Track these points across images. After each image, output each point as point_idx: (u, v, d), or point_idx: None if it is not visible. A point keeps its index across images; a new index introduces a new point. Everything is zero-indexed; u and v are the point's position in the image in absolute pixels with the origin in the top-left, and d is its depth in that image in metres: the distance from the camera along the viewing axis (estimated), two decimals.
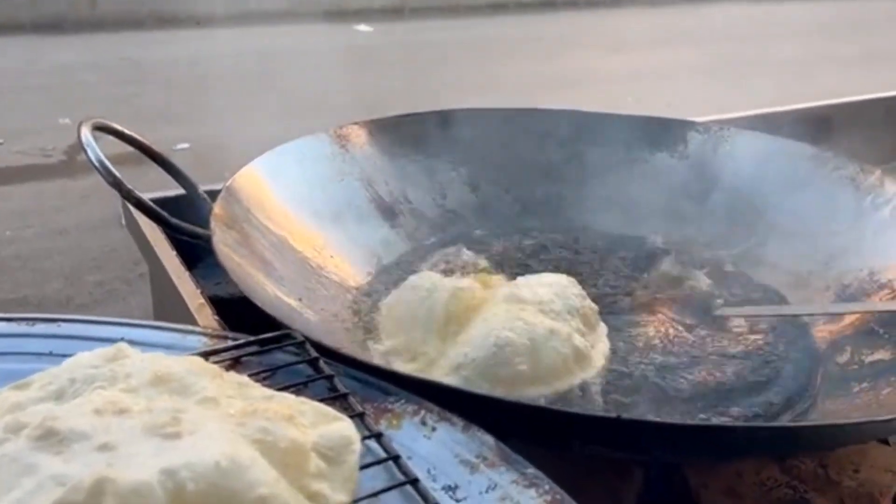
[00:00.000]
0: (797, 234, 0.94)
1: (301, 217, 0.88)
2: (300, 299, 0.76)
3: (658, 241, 0.97)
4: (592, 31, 4.10)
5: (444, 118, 1.05)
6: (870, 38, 3.92)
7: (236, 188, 0.82)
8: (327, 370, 0.54)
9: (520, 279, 0.78)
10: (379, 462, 0.48)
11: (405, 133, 1.03)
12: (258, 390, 0.48)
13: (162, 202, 0.82)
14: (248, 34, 3.42)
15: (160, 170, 0.90)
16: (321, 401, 0.49)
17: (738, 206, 1.00)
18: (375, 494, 0.46)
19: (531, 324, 0.69)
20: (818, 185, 0.97)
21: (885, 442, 0.74)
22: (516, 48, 3.62)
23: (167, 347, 0.56)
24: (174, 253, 0.82)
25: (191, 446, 0.40)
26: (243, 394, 0.48)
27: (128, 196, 0.78)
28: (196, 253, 0.82)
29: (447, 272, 0.86)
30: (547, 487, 0.47)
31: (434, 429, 0.51)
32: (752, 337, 0.81)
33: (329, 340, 0.62)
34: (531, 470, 0.48)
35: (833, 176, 0.97)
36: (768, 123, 1.15)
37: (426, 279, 0.76)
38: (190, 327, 0.60)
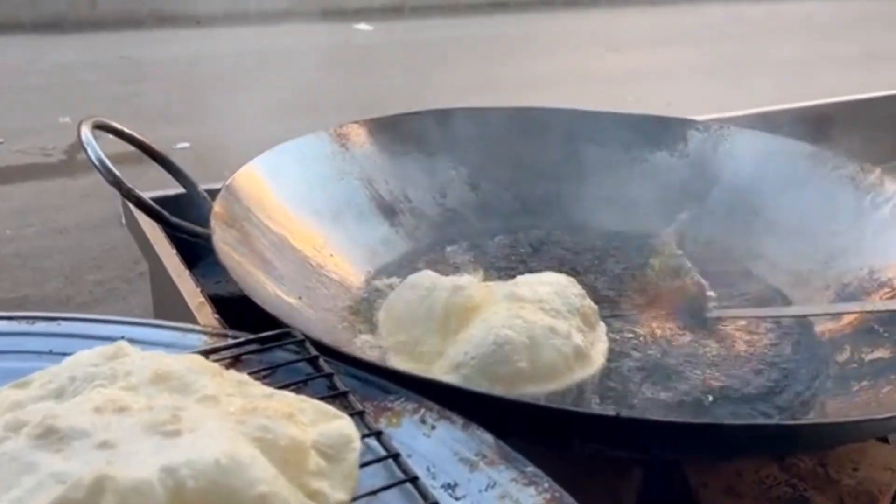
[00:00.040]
0: (797, 232, 0.94)
1: (301, 216, 0.88)
2: (300, 298, 0.76)
3: (658, 239, 0.97)
4: (592, 31, 4.10)
5: (444, 117, 1.05)
6: (870, 37, 3.92)
7: (236, 187, 0.82)
8: (327, 368, 0.54)
9: (519, 278, 0.78)
10: (379, 460, 0.48)
11: (405, 132, 1.03)
12: (258, 388, 0.49)
13: (162, 201, 0.82)
14: (247, 33, 3.42)
15: (160, 169, 0.90)
16: (321, 399, 0.49)
17: (738, 205, 1.00)
18: (375, 492, 0.46)
19: (531, 322, 0.69)
20: (818, 184, 0.97)
21: (885, 440, 0.74)
22: (516, 47, 3.62)
23: (167, 346, 0.56)
24: (174, 251, 0.82)
25: (191, 444, 0.40)
26: (243, 392, 0.48)
27: (128, 195, 0.78)
28: (196, 252, 0.82)
29: (447, 271, 0.86)
30: (546, 485, 0.47)
31: (434, 427, 0.51)
32: (751, 336, 0.81)
33: (329, 339, 0.63)
34: (530, 468, 0.48)
35: (833, 175, 0.97)
36: (768, 122, 1.15)
37: (426, 278, 0.76)
38: (190, 326, 0.61)
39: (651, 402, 0.71)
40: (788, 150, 1.01)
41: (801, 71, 3.10)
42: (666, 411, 0.70)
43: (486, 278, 0.84)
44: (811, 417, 0.72)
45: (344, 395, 0.52)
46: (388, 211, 0.97)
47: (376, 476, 0.47)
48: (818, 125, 1.24)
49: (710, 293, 0.84)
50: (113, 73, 2.99)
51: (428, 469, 0.49)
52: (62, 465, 0.39)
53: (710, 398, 0.72)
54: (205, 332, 0.59)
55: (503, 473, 0.48)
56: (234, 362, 0.55)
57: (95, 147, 0.78)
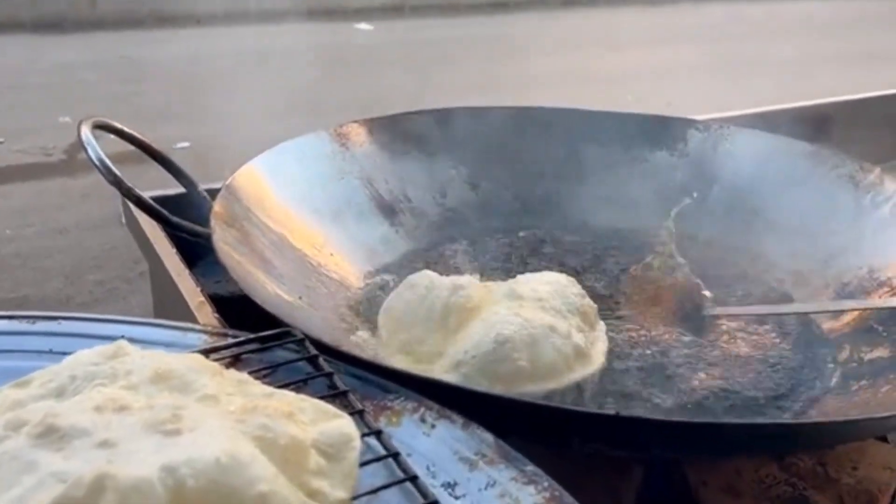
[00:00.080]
0: (797, 232, 0.94)
1: (301, 215, 0.88)
2: (300, 297, 0.76)
3: (658, 239, 0.97)
4: (592, 30, 4.10)
5: (445, 116, 1.05)
6: (870, 37, 3.92)
7: (236, 186, 0.82)
8: (327, 368, 0.54)
9: (519, 277, 0.78)
10: (378, 459, 0.48)
11: (405, 131, 1.03)
12: (258, 387, 0.49)
13: (162, 200, 0.82)
14: (248, 33, 3.41)
15: (160, 168, 0.90)
16: (321, 398, 0.49)
17: (738, 205, 1.00)
18: (375, 491, 0.46)
19: (531, 321, 0.69)
20: (818, 183, 0.97)
21: (884, 439, 0.74)
22: (517, 46, 3.61)
23: (167, 345, 0.56)
24: (174, 251, 0.82)
25: (191, 443, 0.41)
26: (243, 391, 0.48)
27: (128, 194, 0.78)
28: (196, 251, 0.82)
29: (447, 270, 0.86)
30: (546, 484, 0.47)
31: (433, 426, 0.51)
32: (750, 336, 0.82)
33: (329, 338, 0.63)
34: (530, 467, 0.48)
35: (832, 174, 0.97)
36: (768, 122, 1.15)
37: (425, 277, 0.76)
38: (190, 325, 0.61)
39: (650, 401, 0.71)
40: (788, 150, 1.01)
41: (801, 71, 3.10)
42: (665, 410, 0.70)
43: (486, 278, 0.85)
44: (810, 416, 0.72)
45: (344, 394, 0.52)
46: (388, 210, 0.97)
47: (376, 475, 0.47)
48: (818, 124, 1.24)
49: (706, 292, 0.84)
50: (113, 72, 2.99)
51: (428, 468, 0.49)
52: (63, 463, 0.39)
53: (710, 397, 0.72)
54: (205, 332, 0.59)
55: (503, 472, 0.48)
56: (234, 361, 0.55)
57: (96, 147, 0.78)
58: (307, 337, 0.57)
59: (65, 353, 0.49)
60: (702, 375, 0.75)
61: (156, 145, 0.89)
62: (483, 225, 1.00)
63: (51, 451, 0.40)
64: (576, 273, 0.87)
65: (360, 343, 0.76)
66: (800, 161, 0.99)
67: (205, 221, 0.76)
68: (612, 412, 0.65)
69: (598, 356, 0.72)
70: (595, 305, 0.78)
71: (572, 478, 0.48)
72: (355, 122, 1.00)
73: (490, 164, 1.05)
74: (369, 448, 0.49)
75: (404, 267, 0.89)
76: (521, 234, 0.98)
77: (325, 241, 0.88)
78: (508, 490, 0.47)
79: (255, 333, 0.57)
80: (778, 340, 0.81)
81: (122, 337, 0.53)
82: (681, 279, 0.85)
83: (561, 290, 0.75)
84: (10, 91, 2.71)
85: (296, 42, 3.08)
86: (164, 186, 0.93)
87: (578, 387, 0.69)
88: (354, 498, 0.45)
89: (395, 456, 0.48)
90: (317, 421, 0.46)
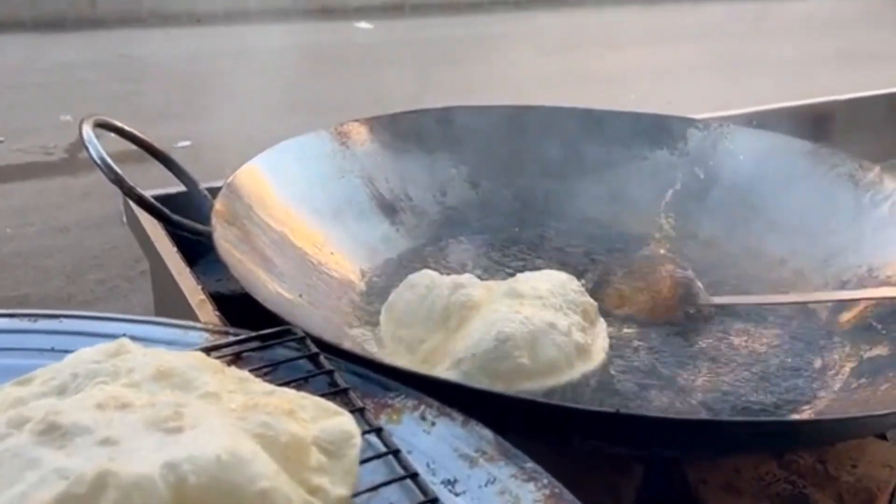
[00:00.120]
0: (796, 230, 0.95)
1: (302, 214, 0.88)
2: (301, 295, 0.77)
3: (658, 238, 0.97)
4: (593, 29, 4.10)
5: (445, 115, 1.05)
6: (870, 37, 3.92)
7: (237, 185, 0.82)
8: (328, 365, 0.55)
9: (520, 275, 0.78)
10: (379, 456, 0.48)
11: (406, 130, 1.03)
12: (259, 385, 0.49)
13: (163, 199, 0.82)
14: (248, 32, 3.42)
15: (161, 167, 0.90)
16: (322, 396, 0.49)
17: (738, 203, 1.00)
18: (375, 488, 0.46)
19: (531, 318, 0.69)
20: (817, 181, 0.97)
21: (883, 437, 0.74)
22: (517, 45, 3.61)
23: (168, 343, 0.56)
24: (175, 249, 0.82)
25: (192, 440, 0.41)
26: (244, 389, 0.48)
27: (129, 193, 0.79)
28: (197, 249, 0.83)
29: (447, 269, 0.87)
30: (546, 482, 0.47)
31: (434, 423, 0.52)
32: (748, 333, 0.82)
33: (329, 336, 0.63)
34: (530, 464, 0.48)
35: (832, 173, 0.97)
36: (768, 120, 1.15)
37: (425, 277, 0.76)
38: (191, 323, 0.61)
39: (650, 398, 0.71)
40: (788, 148, 1.01)
41: (801, 70, 3.10)
42: (665, 408, 0.70)
43: (486, 276, 0.85)
44: (810, 414, 0.72)
45: (344, 391, 0.52)
46: (389, 209, 0.97)
47: (376, 472, 0.47)
48: (818, 123, 1.25)
49: (712, 290, 0.84)
50: (114, 71, 2.99)
51: (428, 465, 0.49)
52: (65, 461, 0.39)
53: (709, 395, 0.72)
54: (206, 330, 0.60)
55: (503, 469, 0.48)
56: (235, 359, 0.56)
57: (97, 145, 0.78)
58: (308, 335, 0.57)
59: (66, 352, 0.49)
60: (702, 373, 0.75)
61: (157, 144, 0.89)
62: (483, 223, 1.00)
63: (53, 448, 0.40)
64: (576, 271, 0.87)
65: (361, 341, 0.76)
66: (799, 159, 1.00)
67: (206, 220, 0.76)
68: (612, 410, 0.65)
69: (598, 353, 0.73)
70: (595, 303, 0.78)
71: (572, 475, 0.48)
72: (356, 120, 1.00)
73: (490, 163, 1.05)
74: (370, 445, 0.49)
75: (405, 265, 0.90)
76: (522, 232, 0.98)
77: (326, 240, 0.88)
78: (508, 487, 0.47)
79: (255, 331, 0.58)
80: (777, 339, 0.81)
81: (124, 335, 0.53)
82: (680, 276, 0.85)
83: (561, 288, 0.75)
84: (10, 90, 2.71)
85: (296, 41, 3.08)
86: (165, 185, 0.93)
87: (579, 384, 0.70)
88: (355, 495, 0.45)
89: (396, 453, 0.48)
90: (317, 418, 0.46)
